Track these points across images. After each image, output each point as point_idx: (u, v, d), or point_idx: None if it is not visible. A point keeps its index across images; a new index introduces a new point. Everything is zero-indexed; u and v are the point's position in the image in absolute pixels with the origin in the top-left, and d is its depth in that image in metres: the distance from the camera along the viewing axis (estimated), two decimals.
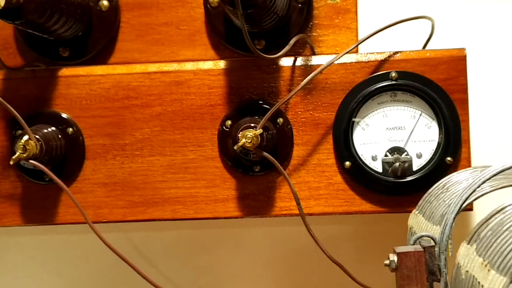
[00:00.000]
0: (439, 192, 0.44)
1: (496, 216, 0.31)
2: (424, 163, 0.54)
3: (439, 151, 0.53)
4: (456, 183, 0.44)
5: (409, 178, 0.53)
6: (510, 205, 0.33)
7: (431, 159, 0.53)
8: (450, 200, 0.41)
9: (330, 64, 0.52)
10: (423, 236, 0.37)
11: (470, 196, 0.33)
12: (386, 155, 0.54)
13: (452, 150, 0.53)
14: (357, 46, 0.54)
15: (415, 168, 0.54)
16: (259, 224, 0.65)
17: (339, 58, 0.52)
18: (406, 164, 0.53)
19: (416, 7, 0.63)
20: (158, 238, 0.66)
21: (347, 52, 0.52)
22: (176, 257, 0.66)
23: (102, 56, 0.59)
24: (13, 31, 0.60)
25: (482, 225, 0.31)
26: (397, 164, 0.53)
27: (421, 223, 0.44)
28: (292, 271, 0.66)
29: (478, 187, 0.33)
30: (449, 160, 0.53)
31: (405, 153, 0.54)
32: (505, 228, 0.31)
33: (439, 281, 0.35)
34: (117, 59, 0.60)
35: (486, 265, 0.30)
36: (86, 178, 0.55)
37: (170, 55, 0.59)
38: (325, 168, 0.54)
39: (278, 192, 0.55)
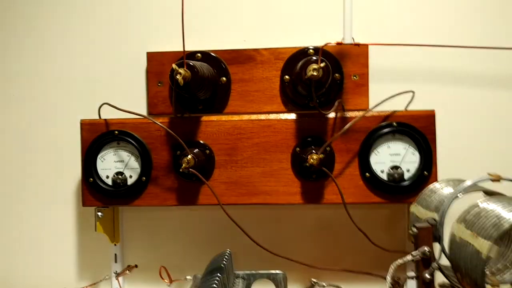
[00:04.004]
0: (430, 193, 0.72)
1: (473, 208, 0.57)
2: (411, 175, 0.88)
3: (420, 168, 0.87)
4: (439, 188, 0.73)
5: (403, 184, 0.87)
6: (481, 202, 0.57)
7: (415, 173, 0.87)
8: (440, 197, 0.68)
9: (361, 117, 0.87)
10: (428, 218, 0.66)
11: (456, 195, 0.64)
12: (389, 170, 0.88)
13: (428, 168, 0.87)
14: (374, 107, 0.89)
15: (405, 177, 0.88)
16: (309, 208, 1.00)
17: (367, 113, 0.87)
18: (401, 175, 0.87)
19: (398, 72, 0.98)
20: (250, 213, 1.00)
21: (369, 111, 0.87)
22: (255, 227, 1.00)
23: (220, 108, 0.96)
24: (168, 93, 0.97)
25: (466, 212, 0.57)
26: (396, 175, 0.87)
27: (421, 211, 0.70)
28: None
29: (460, 191, 0.65)
30: (426, 174, 0.87)
31: (400, 168, 0.88)
32: (481, 215, 0.56)
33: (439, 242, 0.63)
34: (228, 110, 0.96)
35: (474, 235, 0.53)
36: (214, 179, 0.90)
37: (258, 108, 0.95)
38: (353, 177, 0.89)
39: (326, 190, 0.89)
